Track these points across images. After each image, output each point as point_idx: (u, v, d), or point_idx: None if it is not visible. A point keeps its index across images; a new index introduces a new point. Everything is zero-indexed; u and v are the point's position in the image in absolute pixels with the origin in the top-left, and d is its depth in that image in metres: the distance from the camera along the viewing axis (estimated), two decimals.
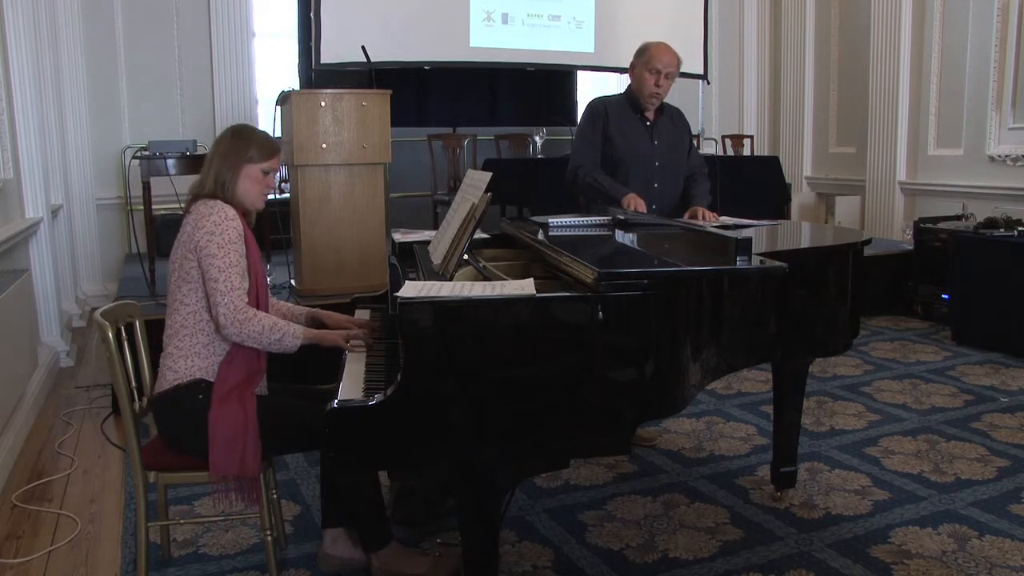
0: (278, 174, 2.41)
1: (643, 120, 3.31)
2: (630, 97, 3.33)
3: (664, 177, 3.31)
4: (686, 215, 3.16)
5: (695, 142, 6.09)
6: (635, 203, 3.09)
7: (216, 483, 2.11)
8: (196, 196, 2.26)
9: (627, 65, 3.37)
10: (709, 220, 3.04)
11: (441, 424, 1.73)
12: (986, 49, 5.94)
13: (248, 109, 6.57)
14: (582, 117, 3.39)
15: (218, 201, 2.21)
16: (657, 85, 3.22)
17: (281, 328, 2.17)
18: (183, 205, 2.30)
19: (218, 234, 2.14)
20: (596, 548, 2.52)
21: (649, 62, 3.21)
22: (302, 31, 6.31)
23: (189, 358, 2.17)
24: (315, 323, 2.43)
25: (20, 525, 2.75)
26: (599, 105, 3.35)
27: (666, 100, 3.36)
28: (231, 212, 2.19)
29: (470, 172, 2.55)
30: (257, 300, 2.23)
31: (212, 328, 2.18)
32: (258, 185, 2.30)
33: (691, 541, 2.56)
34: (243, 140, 2.29)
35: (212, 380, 2.17)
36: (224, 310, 2.11)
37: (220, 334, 2.16)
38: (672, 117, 3.42)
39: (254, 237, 2.35)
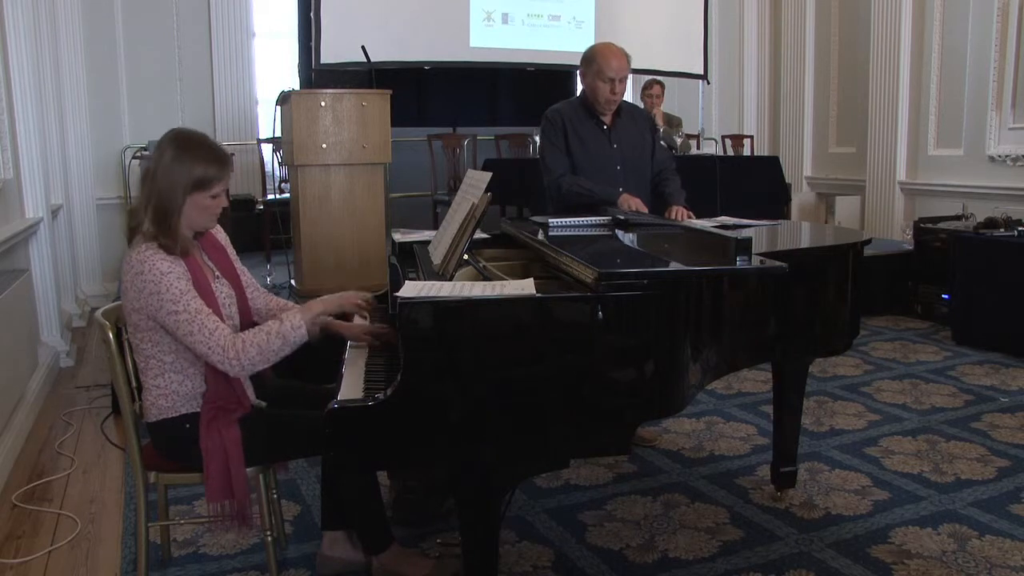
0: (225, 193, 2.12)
1: (600, 124, 3.27)
2: (585, 102, 3.28)
3: (628, 179, 3.26)
4: (665, 215, 3.15)
5: (680, 140, 6.13)
6: (633, 202, 3.08)
7: (212, 508, 2.08)
8: (134, 230, 2.06)
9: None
10: (684, 218, 3.04)
11: (441, 424, 1.73)
12: (986, 49, 5.94)
13: (248, 109, 6.58)
14: (542, 129, 3.34)
15: (147, 252, 1.99)
16: (613, 92, 3.17)
17: (277, 332, 2.02)
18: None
19: (164, 292, 1.96)
20: (596, 548, 2.52)
21: (601, 72, 3.15)
22: (302, 31, 6.32)
23: (168, 396, 2.09)
24: (329, 333, 2.31)
25: (20, 525, 2.75)
26: (555, 114, 3.30)
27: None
28: (164, 265, 1.98)
29: (470, 172, 2.55)
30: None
31: (179, 367, 2.08)
32: (206, 212, 2.08)
33: (691, 541, 2.56)
34: (185, 159, 2.01)
35: (197, 410, 2.10)
36: (218, 358, 1.98)
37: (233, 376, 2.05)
38: (633, 116, 3.37)
39: (223, 249, 2.24)
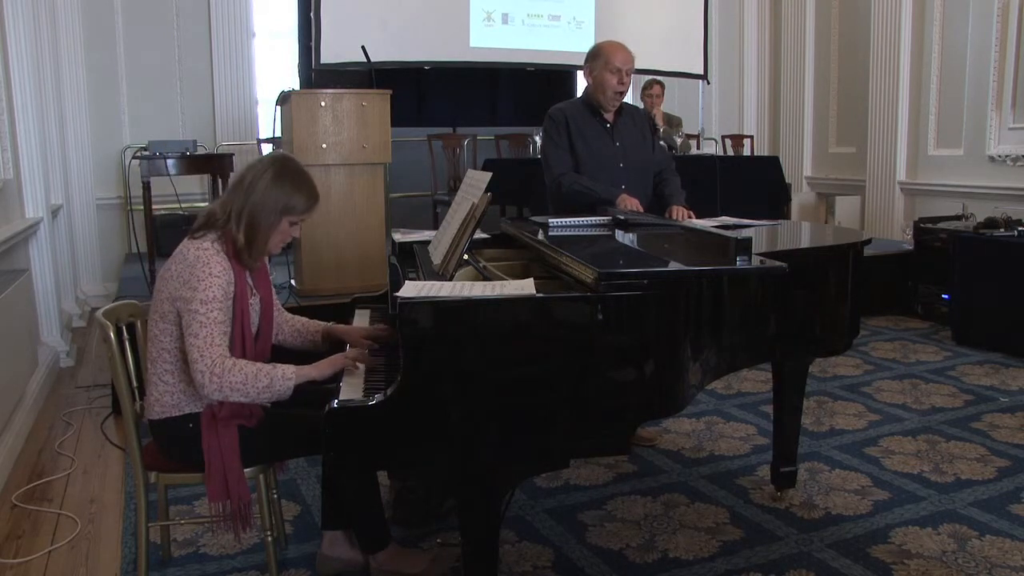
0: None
1: (603, 123, 3.30)
2: (588, 101, 3.32)
3: (630, 177, 3.29)
4: (666, 215, 3.18)
5: (680, 140, 6.14)
6: (630, 202, 3.10)
7: (213, 507, 2.08)
8: (206, 226, 2.09)
9: None
10: (685, 218, 3.07)
11: (441, 424, 1.73)
12: (986, 49, 5.94)
13: (248, 109, 6.57)
14: (545, 127, 3.37)
15: (209, 250, 2.03)
16: (621, 83, 3.22)
17: (267, 373, 2.00)
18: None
19: (200, 291, 1.98)
20: (596, 548, 2.52)
21: (609, 62, 3.21)
22: (302, 31, 6.32)
23: (174, 393, 2.09)
24: (332, 340, 2.35)
25: (20, 525, 2.75)
26: (558, 113, 3.33)
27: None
28: (217, 268, 2.01)
29: (470, 172, 2.55)
30: (244, 351, 2.09)
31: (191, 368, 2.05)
32: (283, 237, 2.14)
33: (691, 541, 2.56)
34: (286, 187, 2.07)
35: (200, 410, 2.09)
36: (203, 367, 1.96)
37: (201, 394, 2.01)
38: (632, 116, 3.42)
39: (266, 267, 2.25)
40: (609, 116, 3.31)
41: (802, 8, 7.74)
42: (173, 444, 2.13)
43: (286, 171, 2.10)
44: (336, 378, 2.09)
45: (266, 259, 2.29)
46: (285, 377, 2.03)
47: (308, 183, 2.13)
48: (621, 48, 3.25)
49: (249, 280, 2.17)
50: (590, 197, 3.18)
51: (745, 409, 3.80)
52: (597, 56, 3.26)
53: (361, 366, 2.12)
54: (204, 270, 2.00)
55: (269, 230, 2.09)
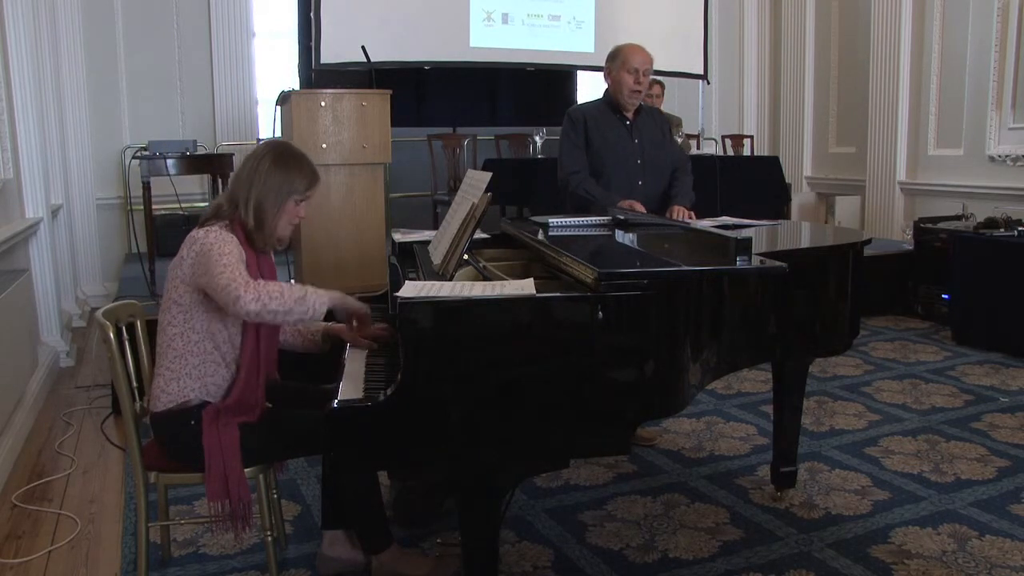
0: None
1: (623, 120, 3.38)
2: (608, 101, 3.40)
3: (648, 174, 3.37)
4: (667, 214, 3.24)
5: (680, 140, 6.14)
6: (631, 205, 3.14)
7: (213, 507, 2.08)
8: (213, 218, 2.13)
9: None
10: (685, 218, 3.14)
11: (441, 424, 1.73)
12: (986, 49, 5.94)
13: (248, 109, 6.57)
14: (564, 126, 3.45)
15: (222, 233, 2.07)
16: (637, 83, 3.31)
17: (299, 286, 2.02)
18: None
19: (217, 257, 2.02)
20: (596, 548, 2.53)
21: (626, 62, 3.30)
22: (302, 31, 6.31)
23: (180, 379, 2.10)
24: (332, 338, 2.36)
25: (20, 525, 2.75)
26: (577, 112, 3.43)
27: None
28: (231, 244, 2.06)
29: (470, 172, 2.55)
30: (257, 336, 2.13)
31: (201, 349, 2.09)
32: (291, 216, 2.18)
33: (691, 541, 2.56)
34: (287, 170, 2.14)
35: (205, 400, 2.10)
36: (235, 286, 1.95)
37: (241, 315, 1.98)
38: (651, 115, 3.51)
39: (273, 264, 2.26)
40: (629, 115, 3.39)
41: (802, 8, 7.74)
42: (174, 442, 2.13)
43: (284, 155, 2.17)
44: (336, 378, 2.09)
45: (272, 255, 2.30)
46: (319, 294, 2.05)
47: (307, 163, 2.19)
48: (639, 50, 3.34)
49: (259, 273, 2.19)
50: (590, 203, 3.22)
51: (745, 409, 3.80)
52: (616, 57, 3.35)
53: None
54: (218, 243, 2.04)
55: (277, 213, 2.14)
